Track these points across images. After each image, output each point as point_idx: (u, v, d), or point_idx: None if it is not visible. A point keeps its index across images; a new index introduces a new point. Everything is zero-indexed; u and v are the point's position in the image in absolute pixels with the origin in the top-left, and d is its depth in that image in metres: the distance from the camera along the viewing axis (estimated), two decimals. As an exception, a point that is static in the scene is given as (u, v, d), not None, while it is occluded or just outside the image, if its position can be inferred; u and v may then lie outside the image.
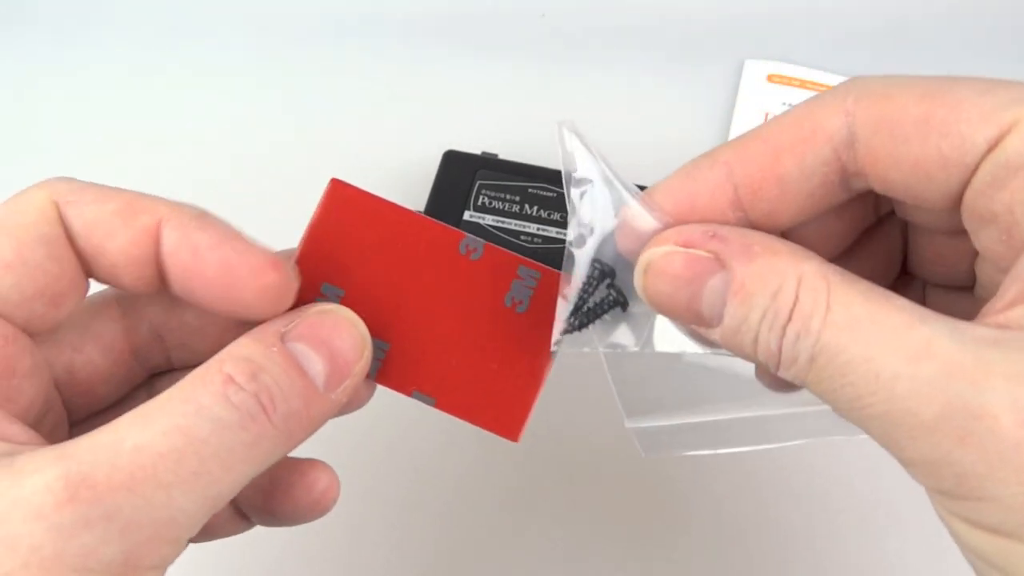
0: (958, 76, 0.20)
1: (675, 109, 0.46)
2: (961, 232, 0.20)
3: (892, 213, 0.23)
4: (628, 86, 0.47)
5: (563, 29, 0.49)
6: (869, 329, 0.18)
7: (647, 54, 0.48)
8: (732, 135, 0.45)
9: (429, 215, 0.38)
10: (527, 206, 0.39)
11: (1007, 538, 0.17)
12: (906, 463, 0.18)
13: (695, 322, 0.20)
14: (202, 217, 0.23)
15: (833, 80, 0.47)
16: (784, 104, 0.46)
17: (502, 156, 0.41)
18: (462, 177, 0.40)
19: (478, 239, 0.22)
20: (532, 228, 0.38)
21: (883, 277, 0.24)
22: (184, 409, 0.19)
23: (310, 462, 0.25)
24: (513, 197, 0.39)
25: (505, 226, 0.38)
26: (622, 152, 0.43)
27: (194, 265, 0.22)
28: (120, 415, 0.20)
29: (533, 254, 0.37)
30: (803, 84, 0.46)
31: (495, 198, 0.39)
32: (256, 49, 0.48)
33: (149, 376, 0.25)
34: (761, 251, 0.19)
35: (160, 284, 0.22)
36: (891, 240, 0.24)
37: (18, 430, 0.20)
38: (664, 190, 0.22)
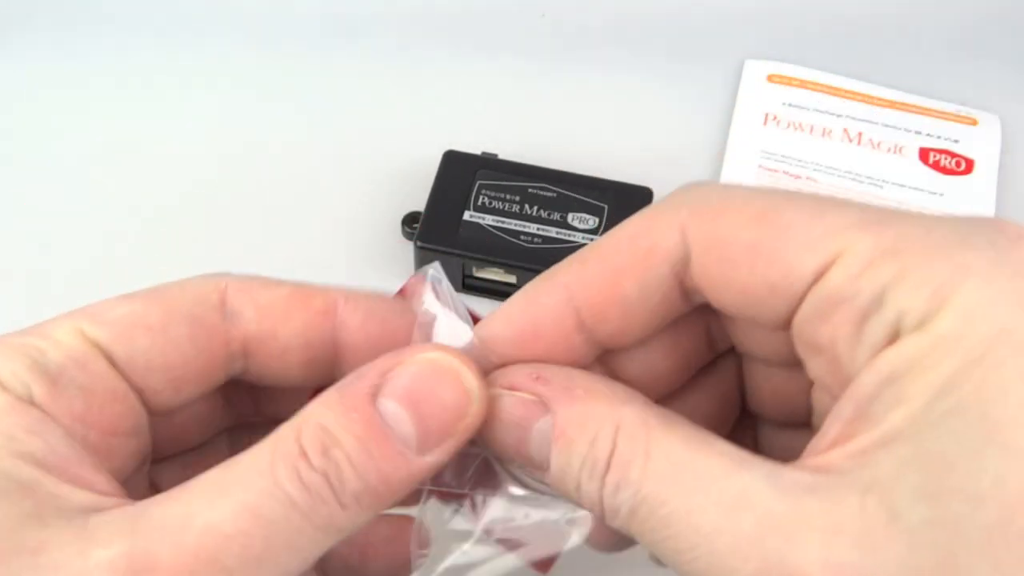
0: (794, 193, 0.19)
1: (675, 109, 0.46)
2: (796, 364, 0.20)
3: (732, 350, 0.23)
4: (628, 86, 0.47)
5: (563, 29, 0.49)
6: (689, 478, 0.18)
7: (647, 54, 0.48)
8: (732, 135, 0.45)
9: (429, 215, 0.39)
10: (527, 206, 0.39)
11: None
12: None
13: (528, 465, 0.20)
14: (379, 295, 0.22)
15: (833, 80, 0.47)
16: (784, 104, 0.46)
17: (502, 156, 0.41)
18: (462, 177, 0.40)
19: None
20: (532, 228, 0.38)
21: (723, 416, 0.23)
22: (257, 485, 0.18)
23: (407, 519, 0.23)
24: (513, 197, 0.39)
25: (505, 226, 0.38)
26: (622, 152, 0.44)
27: (380, 334, 0.21)
28: (200, 464, 0.19)
29: (533, 254, 0.38)
30: (803, 84, 0.46)
31: (495, 198, 0.39)
32: (255, 49, 0.48)
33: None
34: (582, 394, 0.19)
35: (330, 369, 0.22)
36: (729, 379, 0.24)
37: (103, 480, 0.20)
38: (504, 318, 0.21)
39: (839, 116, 0.45)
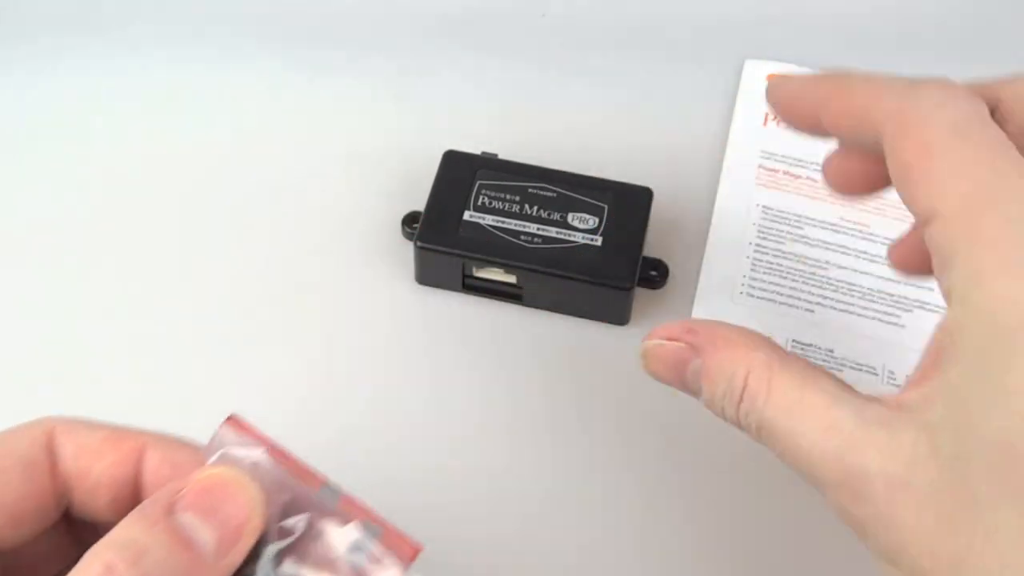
0: (950, 137, 0.24)
1: (675, 109, 0.46)
2: None
3: None
4: (628, 86, 0.47)
5: (563, 29, 0.49)
6: (797, 409, 0.24)
7: (647, 54, 0.48)
8: (732, 135, 0.45)
9: (429, 215, 0.38)
10: (527, 206, 0.39)
11: (895, 568, 0.23)
12: (827, 503, 0.24)
13: (685, 391, 0.27)
14: (181, 442, 0.25)
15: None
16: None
17: (502, 156, 0.41)
18: (462, 177, 0.39)
19: (336, 490, 0.23)
20: (532, 228, 0.38)
21: None
22: None
23: None
24: (513, 197, 0.39)
25: (505, 226, 0.38)
26: (622, 152, 0.44)
27: (172, 475, 0.24)
28: None
29: (534, 253, 0.37)
30: (803, 84, 0.46)
31: (495, 198, 0.39)
32: (253, 49, 0.48)
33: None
34: (723, 344, 0.26)
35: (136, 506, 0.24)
36: None
37: None
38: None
39: (839, 116, 0.45)
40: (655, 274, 0.39)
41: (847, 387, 0.25)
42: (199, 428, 0.35)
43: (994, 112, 0.26)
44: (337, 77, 0.47)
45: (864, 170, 0.28)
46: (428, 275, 0.40)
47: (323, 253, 0.41)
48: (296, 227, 0.42)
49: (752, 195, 0.43)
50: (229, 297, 0.40)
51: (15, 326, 0.39)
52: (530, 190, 0.39)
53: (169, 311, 0.40)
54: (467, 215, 0.38)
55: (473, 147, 0.41)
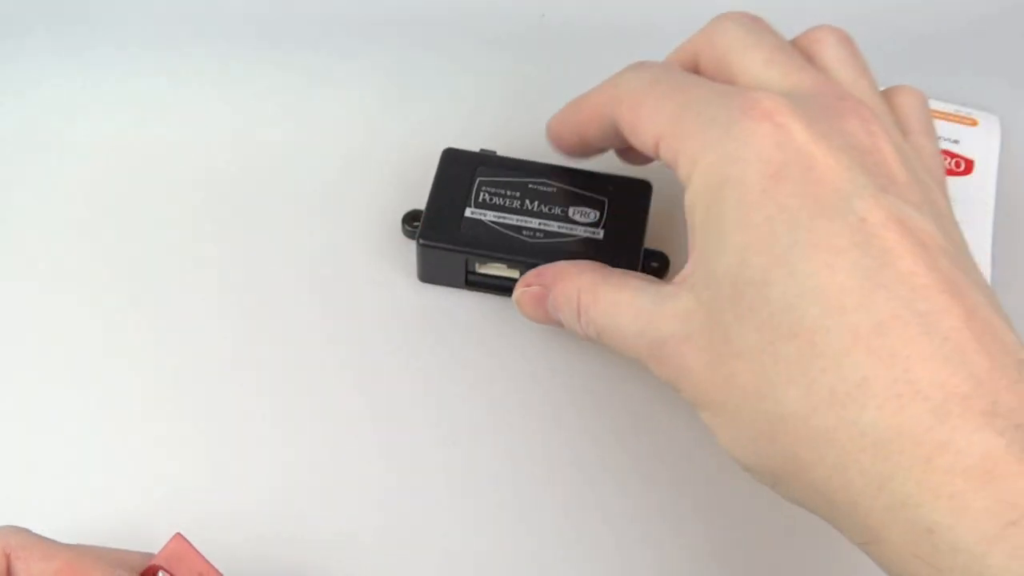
0: (654, 89, 0.32)
1: (675, 108, 0.46)
2: None
3: None
4: (628, 86, 0.47)
5: (563, 29, 0.49)
6: (615, 309, 0.31)
7: (646, 54, 0.48)
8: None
9: (431, 213, 0.39)
10: (527, 201, 0.39)
11: (702, 410, 0.28)
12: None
13: (553, 324, 0.35)
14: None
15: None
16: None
17: (501, 154, 0.41)
18: (462, 175, 0.39)
19: None
20: (534, 223, 0.38)
21: None
22: None
23: None
24: (514, 193, 0.39)
25: (507, 222, 0.38)
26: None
27: None
28: None
29: (536, 248, 0.38)
30: (803, 84, 0.46)
31: (496, 194, 0.39)
32: (253, 50, 0.48)
33: None
34: (562, 276, 0.34)
35: None
36: None
37: None
38: (556, 127, 0.39)
39: (839, 116, 0.46)
40: (656, 265, 0.39)
41: (655, 280, 0.32)
42: (202, 428, 0.35)
43: (697, 67, 0.33)
44: (335, 77, 0.47)
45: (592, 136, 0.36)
46: (430, 273, 0.40)
47: (323, 255, 0.41)
48: (296, 228, 0.42)
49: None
50: (229, 300, 0.40)
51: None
52: (530, 185, 0.39)
53: (170, 311, 0.40)
54: (468, 212, 0.38)
55: (473, 145, 0.41)
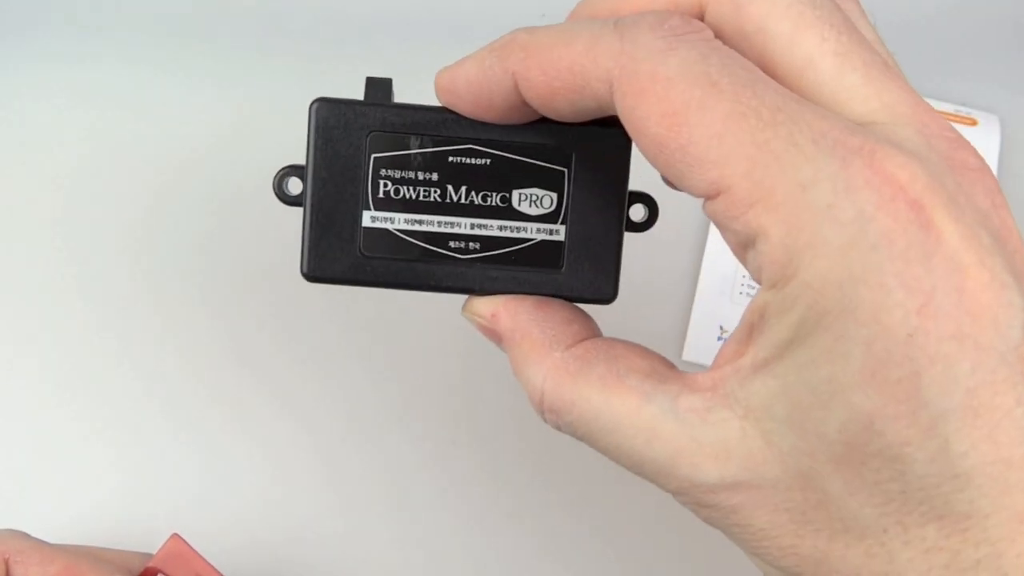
0: (711, 94, 0.20)
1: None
2: None
3: None
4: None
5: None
6: (607, 420, 0.22)
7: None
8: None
9: (314, 223, 0.26)
10: (451, 189, 0.26)
11: (768, 566, 0.22)
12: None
13: None
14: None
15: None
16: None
17: (401, 97, 0.28)
18: (349, 149, 0.26)
19: None
20: (464, 226, 0.26)
21: None
22: None
23: None
24: (429, 175, 0.26)
25: (425, 229, 0.26)
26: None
27: None
28: None
29: (471, 271, 0.26)
30: (803, 84, 0.46)
31: (402, 181, 0.26)
32: (251, 51, 0.48)
33: None
34: (520, 338, 0.24)
35: None
36: None
37: None
38: (463, 83, 0.25)
39: (839, 116, 0.45)
40: (643, 218, 0.27)
41: (660, 370, 0.23)
42: (194, 430, 0.35)
43: (703, 19, 0.22)
44: (334, 78, 0.47)
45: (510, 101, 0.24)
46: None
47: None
48: (287, 228, 0.42)
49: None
50: (214, 305, 0.40)
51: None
52: (451, 159, 0.26)
53: (155, 318, 0.40)
54: (367, 218, 0.26)
55: None
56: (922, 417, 0.19)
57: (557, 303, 0.25)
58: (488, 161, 0.26)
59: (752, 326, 0.21)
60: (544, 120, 0.25)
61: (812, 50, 0.21)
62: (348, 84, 0.45)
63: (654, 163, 0.21)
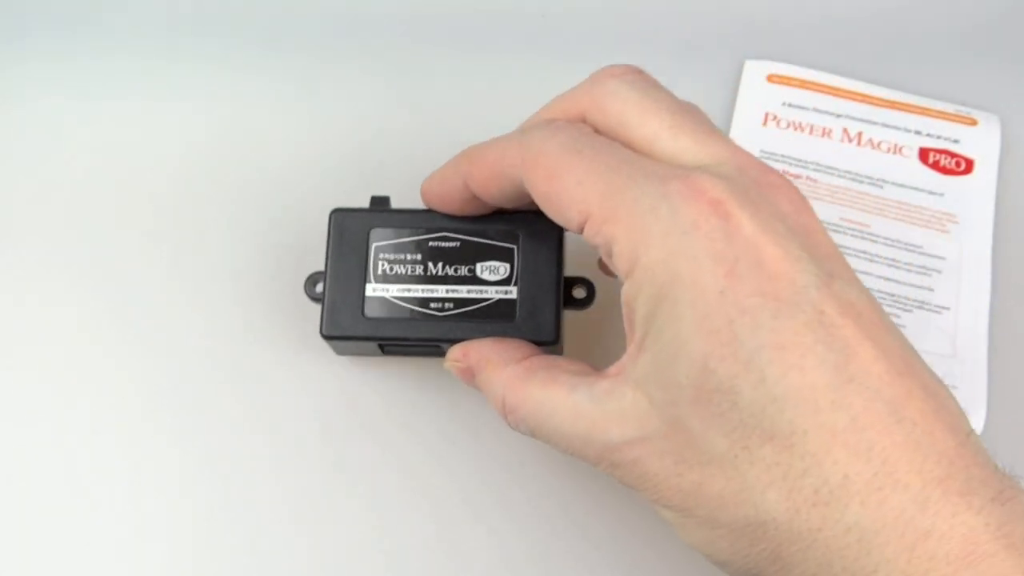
0: (572, 159, 0.29)
1: (675, 109, 0.46)
2: None
3: None
4: (628, 86, 0.47)
5: (563, 29, 0.49)
6: (547, 409, 0.29)
7: (647, 54, 0.48)
8: (732, 135, 0.45)
9: (332, 298, 0.35)
10: (430, 264, 0.35)
11: (666, 511, 0.27)
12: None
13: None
14: None
15: (833, 80, 0.46)
16: (784, 104, 0.46)
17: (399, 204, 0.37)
18: (357, 241, 0.36)
19: None
20: (441, 291, 0.35)
21: None
22: None
23: None
24: (414, 257, 0.35)
25: (412, 295, 0.35)
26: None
27: None
28: None
29: (447, 323, 0.35)
30: (803, 84, 0.46)
31: (396, 262, 0.35)
32: (252, 51, 0.48)
33: None
34: (484, 365, 0.32)
35: None
36: None
37: None
38: (431, 188, 0.35)
39: (839, 116, 0.45)
40: (583, 296, 0.36)
41: (585, 370, 0.30)
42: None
43: (603, 120, 0.30)
44: (334, 78, 0.47)
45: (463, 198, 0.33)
46: (343, 349, 0.38)
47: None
48: (288, 227, 0.42)
49: (752, 195, 0.43)
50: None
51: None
52: (430, 243, 0.35)
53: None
54: (369, 290, 0.35)
55: (463, 137, 0.40)
56: (740, 354, 0.25)
57: (509, 340, 0.33)
58: (458, 243, 0.35)
59: (628, 316, 0.28)
60: (498, 212, 0.34)
61: (654, 128, 0.29)
62: (349, 84, 0.46)
63: (546, 212, 0.29)
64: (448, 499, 0.36)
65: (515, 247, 0.35)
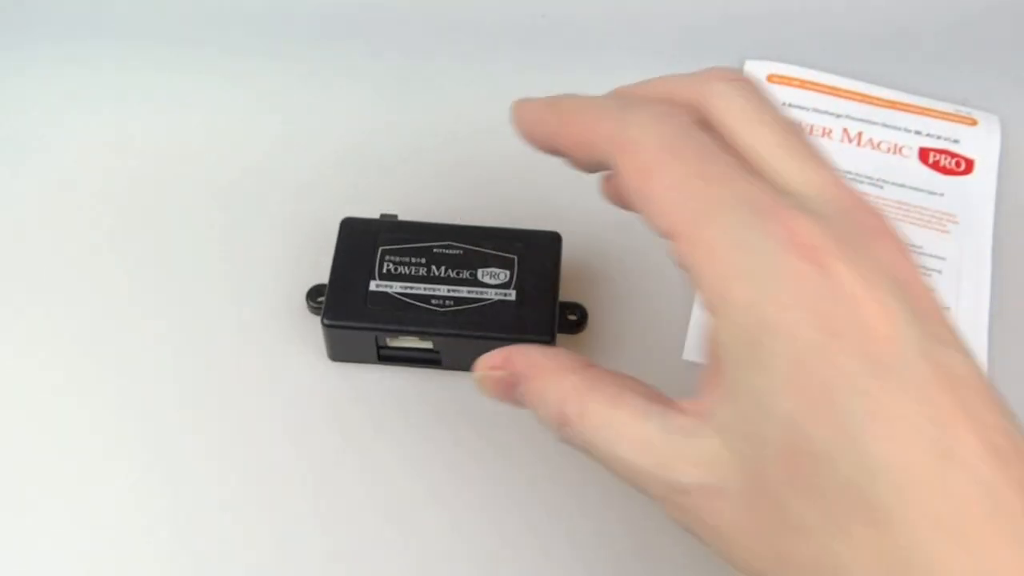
0: (664, 169, 0.26)
1: (675, 109, 0.46)
2: None
3: None
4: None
5: (563, 29, 0.49)
6: (610, 430, 0.26)
7: (646, 54, 0.48)
8: (732, 135, 0.45)
9: (334, 290, 0.37)
10: (435, 268, 0.37)
11: (737, 570, 0.25)
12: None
13: (518, 407, 0.29)
14: None
15: (833, 80, 0.47)
16: (784, 104, 0.46)
17: (404, 218, 0.39)
18: (364, 245, 0.37)
19: None
20: (442, 290, 0.36)
21: None
22: None
23: None
24: (419, 260, 0.37)
25: (414, 291, 0.36)
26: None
27: None
28: None
29: (445, 317, 0.36)
30: (803, 84, 0.46)
31: (400, 263, 0.37)
32: (252, 51, 0.48)
33: None
34: (537, 372, 0.28)
35: None
36: None
37: None
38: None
39: (839, 116, 0.45)
40: (575, 318, 0.38)
41: (656, 397, 0.27)
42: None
43: (708, 118, 0.28)
44: (333, 78, 0.47)
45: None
46: (340, 352, 0.38)
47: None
48: (286, 228, 0.42)
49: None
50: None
51: None
52: (435, 250, 0.37)
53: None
54: (373, 285, 0.36)
55: (475, 151, 0.41)
56: (836, 419, 0.22)
57: (556, 348, 0.30)
58: (461, 251, 0.37)
59: (711, 352, 0.25)
60: (499, 230, 0.37)
61: (762, 143, 0.27)
62: (348, 84, 0.46)
63: (631, 204, 0.27)
64: (435, 511, 0.36)
65: (516, 257, 0.37)
